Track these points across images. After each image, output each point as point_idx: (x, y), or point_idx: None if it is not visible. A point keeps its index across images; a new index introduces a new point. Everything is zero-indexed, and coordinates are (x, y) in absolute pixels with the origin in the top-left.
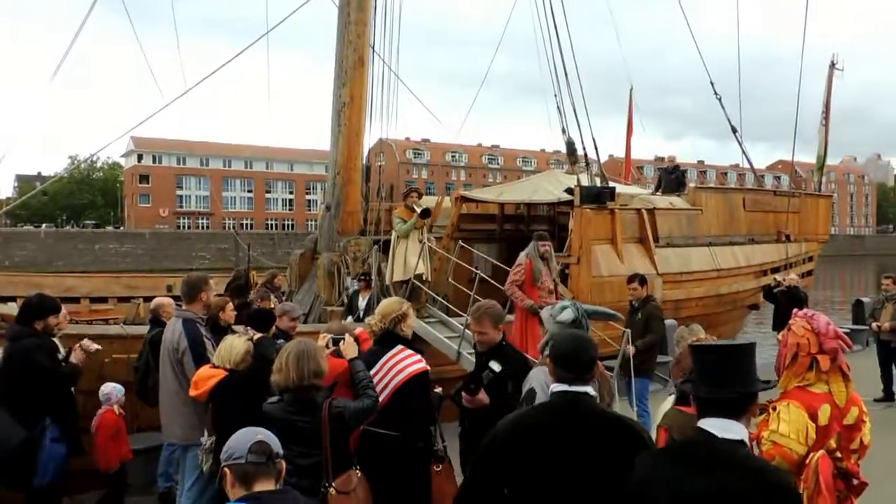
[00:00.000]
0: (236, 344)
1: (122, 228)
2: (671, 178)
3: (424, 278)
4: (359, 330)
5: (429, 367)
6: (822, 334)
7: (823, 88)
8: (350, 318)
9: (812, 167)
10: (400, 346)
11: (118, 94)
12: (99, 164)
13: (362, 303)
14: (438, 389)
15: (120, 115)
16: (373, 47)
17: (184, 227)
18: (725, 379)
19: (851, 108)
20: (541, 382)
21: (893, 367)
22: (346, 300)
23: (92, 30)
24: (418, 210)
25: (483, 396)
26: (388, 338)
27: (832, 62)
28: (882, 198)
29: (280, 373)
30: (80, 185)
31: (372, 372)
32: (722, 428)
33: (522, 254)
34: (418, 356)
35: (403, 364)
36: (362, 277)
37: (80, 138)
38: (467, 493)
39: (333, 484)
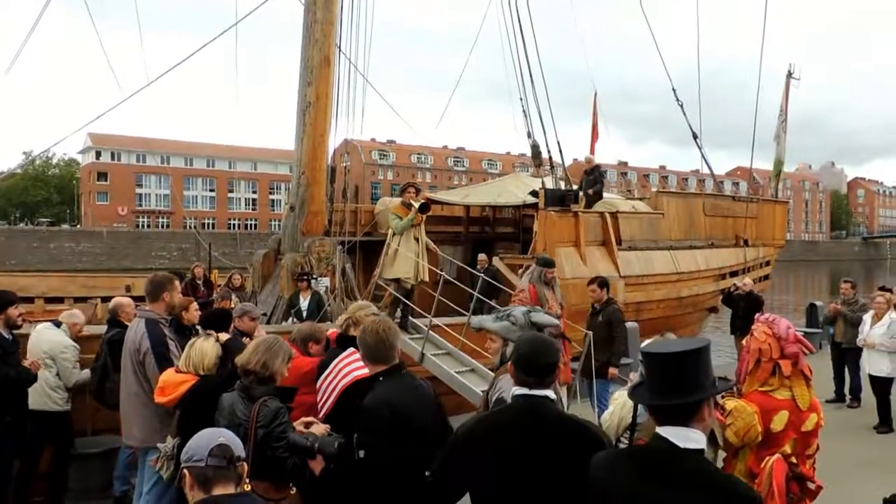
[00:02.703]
0: (207, 348)
1: (78, 227)
2: (589, 179)
3: (420, 279)
4: (331, 331)
5: None
6: (783, 339)
7: (780, 97)
8: (291, 320)
9: (769, 174)
10: (351, 349)
11: (76, 89)
12: (55, 161)
13: (304, 303)
14: None
15: (77, 111)
16: (339, 47)
17: (143, 226)
18: (673, 386)
19: (806, 117)
20: (511, 392)
21: (846, 369)
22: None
23: (49, 22)
24: (416, 205)
25: (315, 464)
26: (342, 340)
27: (789, 71)
28: (835, 205)
29: (242, 354)
30: (35, 181)
31: (325, 374)
32: (682, 437)
33: (524, 279)
34: None
35: (350, 368)
36: (303, 278)
37: (35, 134)
38: (431, 494)
39: (250, 483)
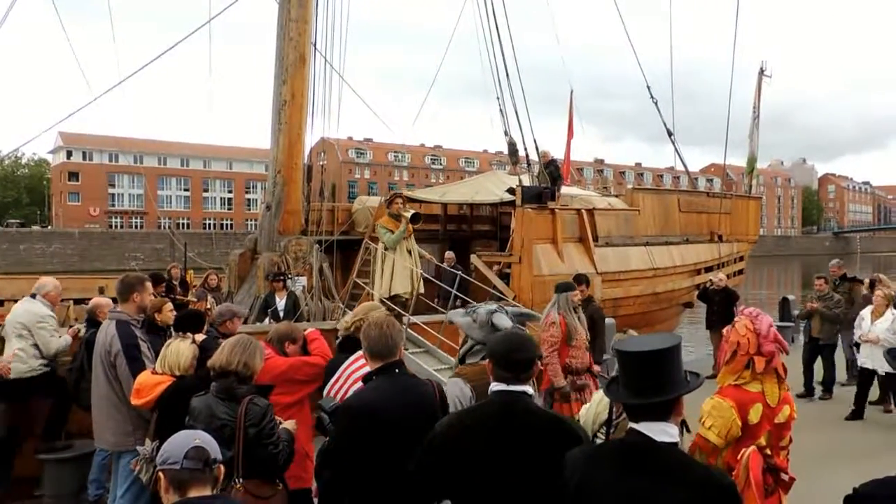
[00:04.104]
0: (183, 349)
1: (49, 228)
2: (546, 172)
3: (413, 293)
4: (309, 330)
5: None
6: (763, 336)
7: (752, 94)
8: (267, 320)
9: (742, 170)
10: (359, 353)
11: (46, 87)
12: (24, 161)
13: (280, 303)
14: None
15: (47, 110)
16: (314, 44)
17: (116, 226)
18: (647, 385)
19: (777, 114)
20: (454, 396)
21: (823, 362)
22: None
23: (17, 18)
24: (407, 215)
25: None
26: (349, 343)
27: (761, 69)
28: (807, 200)
29: (216, 355)
30: (4, 182)
31: (333, 379)
32: (658, 431)
33: (552, 310)
34: None
35: (359, 375)
36: (279, 278)
37: (3, 133)
38: (410, 493)
39: (242, 482)
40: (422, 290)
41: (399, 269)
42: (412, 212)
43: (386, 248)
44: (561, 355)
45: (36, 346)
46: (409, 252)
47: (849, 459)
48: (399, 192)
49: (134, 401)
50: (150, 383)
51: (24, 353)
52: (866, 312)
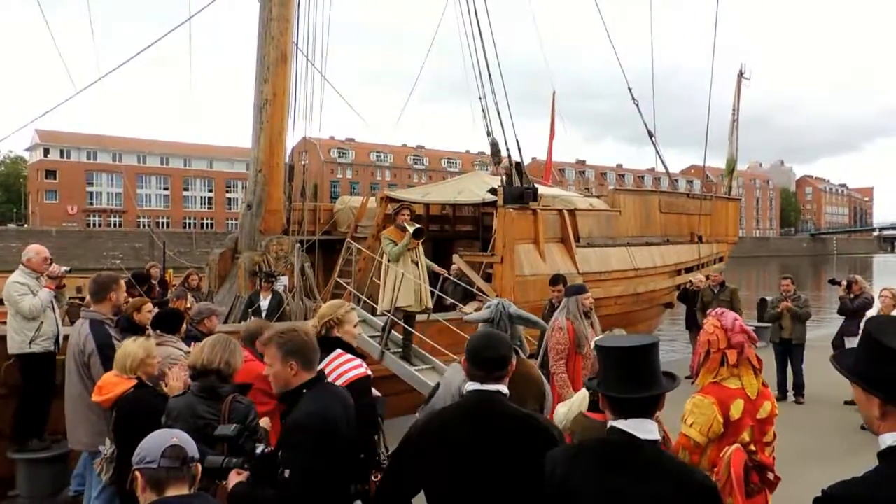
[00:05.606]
0: (131, 350)
1: (26, 226)
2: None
3: (424, 307)
4: None
5: (370, 373)
6: (729, 329)
7: (732, 96)
8: (251, 320)
9: (722, 172)
10: (339, 351)
11: (22, 84)
12: (0, 158)
13: (264, 303)
14: (377, 394)
15: (23, 107)
16: (296, 44)
17: (94, 225)
18: (637, 381)
19: (756, 116)
20: (447, 381)
21: (793, 365)
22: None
23: None
24: (410, 229)
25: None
26: (324, 342)
27: (740, 71)
28: (785, 202)
29: (196, 354)
30: None
31: None
32: (641, 429)
33: (560, 315)
34: (359, 361)
35: (343, 370)
36: (270, 279)
37: None
38: (383, 494)
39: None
40: (430, 305)
41: (403, 281)
42: (416, 226)
43: (389, 260)
44: (573, 365)
45: (23, 319)
46: (416, 264)
47: (825, 459)
48: (406, 204)
49: (94, 397)
50: (111, 382)
51: (10, 329)
52: (871, 314)
